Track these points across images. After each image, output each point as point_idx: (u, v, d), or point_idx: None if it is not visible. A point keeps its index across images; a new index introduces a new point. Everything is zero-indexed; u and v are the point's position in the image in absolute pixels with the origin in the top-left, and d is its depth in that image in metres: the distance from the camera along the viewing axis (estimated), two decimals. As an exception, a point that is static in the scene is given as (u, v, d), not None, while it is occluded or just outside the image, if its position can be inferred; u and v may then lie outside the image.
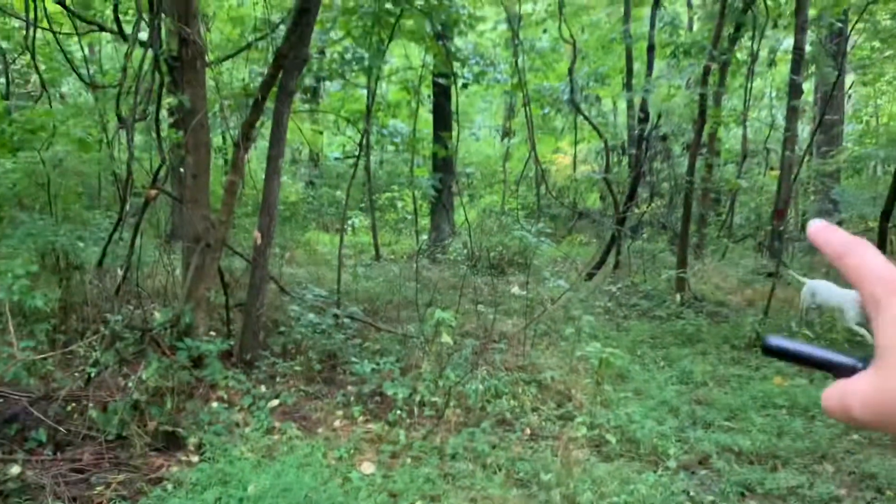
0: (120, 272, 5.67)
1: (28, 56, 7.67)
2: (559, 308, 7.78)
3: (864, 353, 0.43)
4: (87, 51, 10.77)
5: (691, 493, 4.20)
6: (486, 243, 11.04)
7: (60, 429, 4.22)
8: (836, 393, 0.42)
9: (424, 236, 13.24)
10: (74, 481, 3.90)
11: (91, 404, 4.43)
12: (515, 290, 9.01)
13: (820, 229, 0.48)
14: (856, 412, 0.40)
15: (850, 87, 17.58)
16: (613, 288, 9.68)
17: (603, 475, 4.26)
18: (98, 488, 3.85)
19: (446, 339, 5.59)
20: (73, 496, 3.75)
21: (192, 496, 3.69)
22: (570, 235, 15.12)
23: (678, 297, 9.07)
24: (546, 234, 8.33)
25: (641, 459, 4.66)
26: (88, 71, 8.78)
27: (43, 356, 4.76)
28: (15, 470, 3.84)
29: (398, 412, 5.06)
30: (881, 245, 9.10)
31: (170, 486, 3.86)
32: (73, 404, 4.48)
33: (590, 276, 10.37)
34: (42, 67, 8.20)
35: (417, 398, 5.24)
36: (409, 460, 4.45)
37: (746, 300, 9.72)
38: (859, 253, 0.44)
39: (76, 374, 4.96)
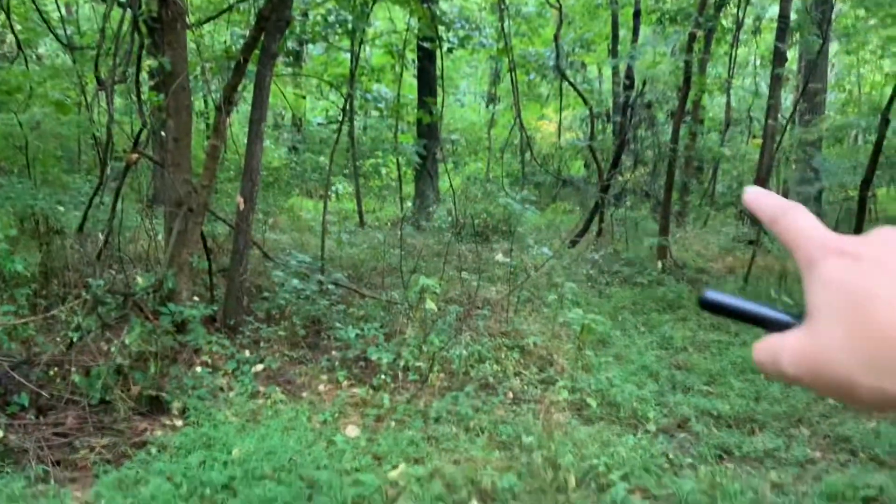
0: (101, 237, 5.62)
1: (3, 15, 7.48)
2: (542, 275, 7.82)
3: (798, 309, 0.44)
4: (63, 11, 10.52)
5: (670, 456, 4.28)
6: (471, 211, 11.02)
7: (43, 393, 4.21)
8: (768, 347, 0.43)
9: (409, 203, 13.21)
10: (58, 445, 3.91)
11: (73, 369, 4.41)
12: (499, 257, 9.03)
13: (755, 195, 0.48)
14: (785, 367, 0.41)
15: (833, 56, 17.60)
16: (596, 255, 9.73)
17: (584, 438, 4.33)
18: (82, 452, 3.86)
19: (430, 305, 5.61)
20: (57, 459, 3.76)
21: (177, 460, 3.71)
22: (554, 203, 15.15)
23: (660, 264, 9.14)
24: (530, 201, 8.34)
25: (622, 423, 4.73)
26: (66, 31, 8.57)
27: (24, 321, 4.73)
28: (-2, 434, 3.84)
29: (382, 377, 5.10)
30: (861, 213, 9.20)
31: (154, 450, 3.88)
32: (56, 369, 4.47)
33: (573, 243, 10.42)
34: (18, 27, 8.01)
35: (401, 363, 5.28)
36: (393, 424, 4.49)
37: (727, 267, 9.82)
38: (793, 216, 0.45)
39: (58, 339, 4.93)
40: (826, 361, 0.38)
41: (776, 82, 11.13)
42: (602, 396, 5.02)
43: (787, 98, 17.67)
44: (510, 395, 5.13)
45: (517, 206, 7.61)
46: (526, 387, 5.28)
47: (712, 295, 0.47)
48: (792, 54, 16.07)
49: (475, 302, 6.81)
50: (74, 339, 4.59)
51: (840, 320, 0.38)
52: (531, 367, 5.60)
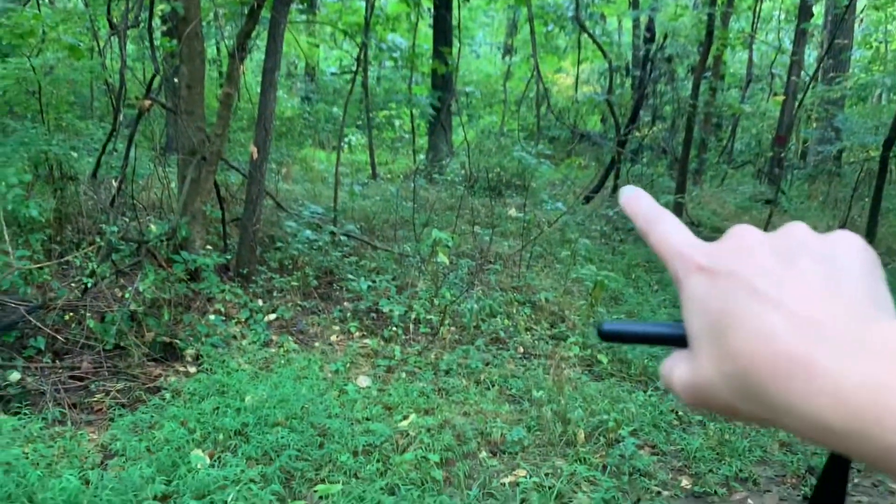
0: (115, 184, 5.61)
1: (13, -43, 7.36)
2: (556, 231, 7.78)
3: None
4: (75, -47, 10.36)
5: (679, 413, 4.30)
6: (485, 164, 10.94)
7: (59, 337, 4.26)
8: (665, 373, 0.40)
9: (422, 156, 13.11)
10: (74, 388, 3.97)
11: (88, 314, 4.45)
12: (512, 212, 9.00)
13: (631, 198, 0.45)
14: (678, 394, 0.39)
15: (861, 11, 17.12)
16: (611, 212, 9.66)
17: (593, 393, 4.35)
18: (97, 395, 3.92)
19: (443, 258, 5.60)
20: (73, 402, 3.82)
21: (190, 405, 3.76)
22: (569, 158, 14.98)
23: (675, 222, 9.07)
24: (545, 156, 8.25)
25: (632, 379, 4.75)
26: (77, -26, 8.45)
27: (39, 266, 4.76)
28: (15, 376, 3.90)
29: (394, 329, 5.12)
30: (881, 174, 9.04)
31: (168, 395, 3.93)
32: (71, 314, 4.51)
33: (587, 199, 10.34)
34: (29, -31, 7.88)
35: (413, 316, 5.30)
36: (403, 375, 4.52)
37: (743, 227, 9.74)
38: (662, 228, 0.42)
39: (72, 285, 4.97)
40: (707, 390, 0.36)
41: (801, 38, 10.86)
42: (613, 353, 5.03)
43: (811, 55, 17.28)
44: (521, 349, 5.15)
45: (532, 160, 7.54)
46: (537, 342, 5.29)
47: (609, 326, 0.44)
48: (818, 9, 15.66)
49: (487, 256, 6.80)
50: (89, 285, 4.62)
51: (708, 346, 0.36)
52: (542, 323, 5.61)
